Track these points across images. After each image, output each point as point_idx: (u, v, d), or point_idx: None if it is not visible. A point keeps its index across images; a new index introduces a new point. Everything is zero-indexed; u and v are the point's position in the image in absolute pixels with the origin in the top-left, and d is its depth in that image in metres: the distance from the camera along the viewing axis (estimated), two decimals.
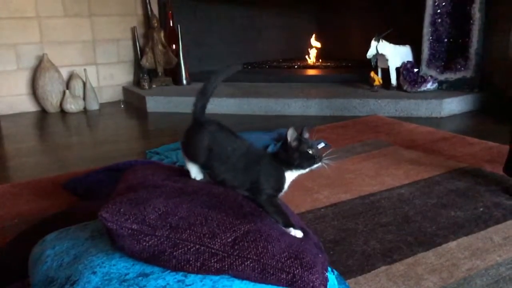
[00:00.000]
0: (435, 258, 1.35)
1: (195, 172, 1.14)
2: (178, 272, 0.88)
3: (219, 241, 0.90)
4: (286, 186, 1.13)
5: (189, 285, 0.86)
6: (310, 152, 1.09)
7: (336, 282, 1.04)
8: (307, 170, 1.12)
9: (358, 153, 2.35)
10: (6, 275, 1.23)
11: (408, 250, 1.40)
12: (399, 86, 3.48)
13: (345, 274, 1.26)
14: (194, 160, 1.13)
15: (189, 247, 0.88)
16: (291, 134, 1.11)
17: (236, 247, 0.89)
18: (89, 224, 1.07)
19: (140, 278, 0.86)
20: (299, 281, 0.89)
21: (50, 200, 1.86)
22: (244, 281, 0.89)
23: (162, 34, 4.03)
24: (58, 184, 2.01)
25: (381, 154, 2.33)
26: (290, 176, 1.13)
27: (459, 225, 1.55)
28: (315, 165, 1.10)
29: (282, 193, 1.13)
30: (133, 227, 0.89)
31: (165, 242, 0.88)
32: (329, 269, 1.06)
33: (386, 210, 1.69)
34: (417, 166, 2.12)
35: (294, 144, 1.10)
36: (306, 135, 1.14)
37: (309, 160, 1.09)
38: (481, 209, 1.66)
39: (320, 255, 0.98)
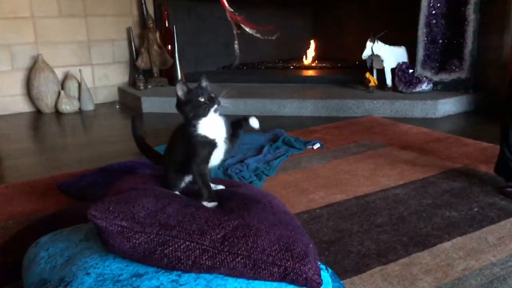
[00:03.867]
0: (430, 258, 1.35)
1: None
2: (172, 272, 0.88)
3: (208, 237, 0.90)
4: (213, 135, 1.13)
5: (183, 284, 0.86)
6: (201, 99, 1.10)
7: (330, 280, 1.04)
8: (208, 116, 1.11)
9: (353, 153, 2.36)
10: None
11: (403, 251, 1.40)
12: (394, 87, 3.49)
13: (340, 274, 1.26)
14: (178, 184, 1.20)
15: (179, 244, 0.88)
16: (180, 88, 1.12)
17: (226, 243, 0.89)
18: (83, 226, 1.07)
19: (134, 279, 0.86)
20: (292, 273, 0.89)
21: (44, 201, 1.85)
22: (238, 280, 0.89)
23: (157, 35, 4.02)
24: (53, 185, 2.00)
25: (376, 154, 2.33)
26: (207, 126, 1.12)
27: (454, 226, 1.55)
28: (212, 109, 1.11)
29: (222, 147, 1.15)
30: (122, 224, 0.89)
31: (155, 239, 0.89)
32: (323, 267, 1.06)
33: (381, 210, 1.69)
34: (412, 167, 2.12)
35: (185, 97, 1.11)
36: (204, 83, 1.15)
37: (201, 106, 1.10)
38: (476, 210, 1.67)
39: (310, 245, 0.98)
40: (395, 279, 1.25)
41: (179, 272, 0.88)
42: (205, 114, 1.10)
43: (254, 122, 1.15)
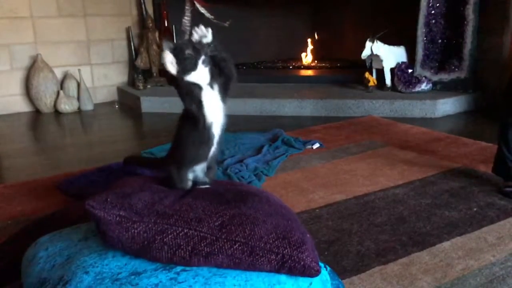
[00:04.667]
0: (429, 258, 1.35)
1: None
2: (170, 270, 0.89)
3: (206, 224, 0.91)
4: (197, 81, 1.10)
5: (182, 282, 0.86)
6: (187, 52, 1.06)
7: (329, 278, 1.04)
8: (198, 69, 1.08)
9: (352, 153, 2.36)
10: None
11: (402, 250, 1.40)
12: (393, 87, 3.49)
13: (340, 274, 1.26)
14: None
15: (178, 231, 0.89)
16: (166, 46, 1.08)
17: (223, 230, 0.90)
18: (82, 226, 1.07)
19: (132, 277, 0.86)
20: (289, 261, 0.89)
21: (44, 201, 1.85)
22: (237, 277, 0.89)
23: (157, 34, 4.02)
24: (52, 185, 1.99)
25: (375, 154, 2.33)
26: (194, 77, 1.08)
27: (453, 225, 1.55)
28: (199, 61, 1.07)
29: (211, 92, 1.11)
30: (120, 213, 0.89)
31: (154, 228, 0.89)
32: (322, 265, 1.06)
33: (380, 210, 1.69)
34: (411, 167, 2.12)
35: (172, 54, 1.08)
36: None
37: (187, 59, 1.06)
38: (475, 209, 1.67)
39: (308, 235, 0.98)
40: (395, 279, 1.25)
41: (178, 270, 0.88)
42: (193, 67, 1.07)
43: (200, 31, 1.09)
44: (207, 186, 1.19)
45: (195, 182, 1.18)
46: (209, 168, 1.20)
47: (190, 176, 1.17)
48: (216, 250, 0.88)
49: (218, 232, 0.90)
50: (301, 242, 0.91)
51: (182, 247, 0.88)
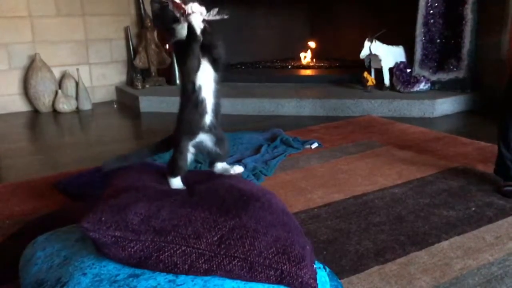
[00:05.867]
0: (428, 258, 1.35)
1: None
2: (169, 272, 0.88)
3: (204, 241, 0.89)
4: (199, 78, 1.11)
5: (180, 285, 0.85)
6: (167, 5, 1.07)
7: (328, 279, 1.04)
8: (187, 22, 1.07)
9: (351, 153, 2.36)
10: None
11: (400, 250, 1.40)
12: (392, 87, 3.49)
13: (338, 274, 1.26)
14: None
15: (175, 249, 0.88)
16: (152, 5, 1.10)
17: (222, 246, 0.89)
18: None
19: (130, 279, 0.85)
20: (288, 277, 0.88)
21: (42, 201, 1.85)
22: (236, 280, 0.88)
23: (155, 34, 4.02)
24: (50, 184, 1.99)
25: (374, 154, 2.34)
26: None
27: (451, 225, 1.55)
28: (188, 22, 1.07)
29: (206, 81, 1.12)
30: (116, 234, 0.88)
31: (150, 246, 0.88)
32: (321, 266, 1.06)
33: (379, 210, 1.69)
34: (410, 166, 2.13)
35: (158, 11, 1.09)
36: None
37: (167, 16, 1.08)
38: (473, 209, 1.67)
39: (307, 247, 0.97)
40: (393, 279, 1.25)
41: None
42: (179, 19, 1.08)
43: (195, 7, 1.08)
44: (222, 163, 1.20)
45: (208, 154, 1.19)
46: (220, 140, 1.20)
47: (192, 149, 1.17)
48: (214, 266, 0.87)
49: (217, 248, 0.89)
50: (300, 258, 0.91)
51: (178, 265, 0.87)
